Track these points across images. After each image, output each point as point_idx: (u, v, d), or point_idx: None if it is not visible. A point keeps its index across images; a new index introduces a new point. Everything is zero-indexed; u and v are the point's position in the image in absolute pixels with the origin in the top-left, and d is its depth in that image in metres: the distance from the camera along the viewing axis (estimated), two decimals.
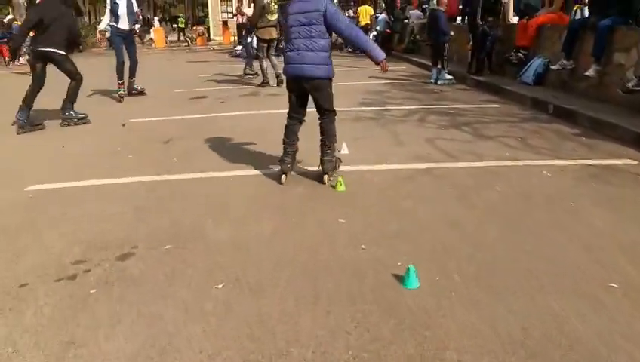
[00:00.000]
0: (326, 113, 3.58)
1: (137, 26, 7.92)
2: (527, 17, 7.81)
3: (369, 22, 13.92)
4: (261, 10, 8.26)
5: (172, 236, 2.86)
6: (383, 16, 14.50)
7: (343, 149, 4.38)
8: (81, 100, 8.01)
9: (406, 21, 13.79)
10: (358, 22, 14.23)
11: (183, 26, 27.09)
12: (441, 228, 2.86)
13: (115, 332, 1.98)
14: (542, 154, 4.26)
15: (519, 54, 7.63)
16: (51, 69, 6.01)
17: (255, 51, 9.19)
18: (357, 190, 3.51)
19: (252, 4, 16.41)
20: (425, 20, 12.55)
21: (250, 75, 9.86)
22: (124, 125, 5.91)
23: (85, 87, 8.99)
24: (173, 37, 28.54)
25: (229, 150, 4.69)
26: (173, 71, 12.67)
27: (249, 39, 9.50)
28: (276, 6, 8.53)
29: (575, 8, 7.08)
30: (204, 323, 2.05)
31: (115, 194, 3.59)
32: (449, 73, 8.55)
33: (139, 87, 7.99)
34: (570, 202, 3.20)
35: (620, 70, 5.73)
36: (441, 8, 8.50)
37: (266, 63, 8.75)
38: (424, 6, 13.71)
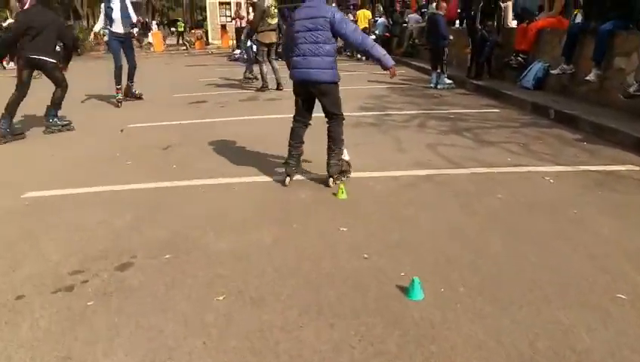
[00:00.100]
0: (333, 117, 3.63)
1: (136, 30, 7.85)
2: (527, 22, 7.80)
3: (367, 26, 13.93)
4: (261, 14, 8.26)
5: (171, 245, 2.82)
6: (382, 20, 14.51)
7: (345, 155, 4.33)
8: (79, 105, 8.01)
9: (405, 25, 13.79)
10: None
11: (182, 29, 27.09)
12: (443, 237, 2.83)
13: (114, 347, 1.94)
14: (544, 160, 4.23)
15: (519, 58, 7.62)
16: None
17: (255, 55, 9.18)
18: (358, 198, 3.47)
19: (251, 8, 16.44)
20: (423, 24, 12.58)
21: (251, 79, 9.85)
22: (122, 131, 5.88)
23: (83, 91, 9.01)
24: (172, 41, 28.55)
25: (229, 156, 4.66)
26: (172, 75, 12.64)
27: (249, 43, 9.48)
28: (276, 10, 8.53)
29: (575, 12, 7.09)
30: (204, 336, 2.00)
31: (113, 202, 3.55)
32: (448, 77, 8.54)
33: (136, 92, 7.94)
34: (574, 210, 3.17)
35: (621, 75, 5.72)
36: (441, 12, 8.49)
37: (266, 68, 8.74)
38: (423, 10, 13.73)
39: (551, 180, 3.74)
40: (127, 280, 2.45)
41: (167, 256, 2.69)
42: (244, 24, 15.13)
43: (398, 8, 14.50)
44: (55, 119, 5.96)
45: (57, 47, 5.97)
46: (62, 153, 5.03)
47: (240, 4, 17.88)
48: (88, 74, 13.29)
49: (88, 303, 2.24)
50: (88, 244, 2.86)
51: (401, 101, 7.38)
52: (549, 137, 5.03)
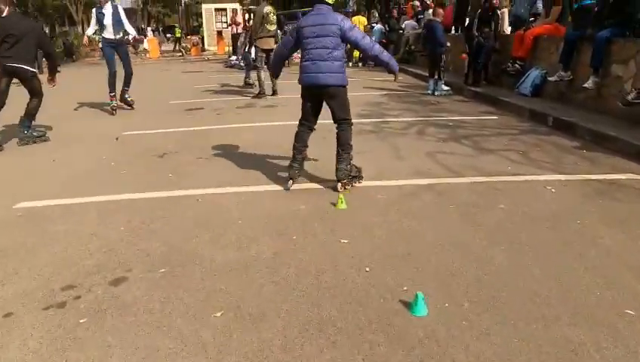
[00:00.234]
0: (342, 122, 3.69)
1: (131, 36, 7.77)
2: (523, 28, 7.81)
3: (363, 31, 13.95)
4: (260, 20, 8.24)
5: (168, 258, 2.75)
6: (378, 26, 14.52)
7: None
8: (73, 113, 7.92)
9: (401, 31, 13.81)
10: None
11: (179, 35, 27.10)
12: (446, 250, 2.77)
13: None
14: (544, 169, 4.20)
15: (516, 65, 7.62)
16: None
17: (253, 61, 9.14)
18: (358, 208, 3.41)
19: (247, 15, 16.43)
20: (420, 31, 12.61)
21: (251, 84, 9.80)
22: (117, 139, 5.80)
23: (77, 98, 8.92)
24: (167, 47, 28.50)
25: (226, 165, 4.59)
26: (168, 82, 12.56)
27: (247, 48, 9.44)
28: (275, 17, 8.53)
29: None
30: (202, 355, 1.93)
31: (108, 213, 3.47)
32: (446, 84, 8.52)
33: (129, 98, 7.76)
34: (577, 220, 3.12)
35: (618, 82, 5.71)
36: (438, 19, 8.50)
37: (263, 74, 8.71)
38: (419, 16, 13.76)
39: (552, 189, 3.69)
40: (121, 296, 2.37)
41: (162, 270, 2.61)
42: (240, 30, 15.12)
43: (394, 14, 14.49)
44: (30, 130, 5.75)
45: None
46: (56, 162, 4.94)
47: (236, 10, 17.81)
48: (83, 80, 13.22)
49: (81, 321, 2.16)
50: (81, 257, 2.78)
51: (399, 108, 7.34)
52: (548, 145, 5.00)
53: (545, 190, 3.70)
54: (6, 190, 4.04)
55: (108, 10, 7.12)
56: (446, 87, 8.46)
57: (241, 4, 23.28)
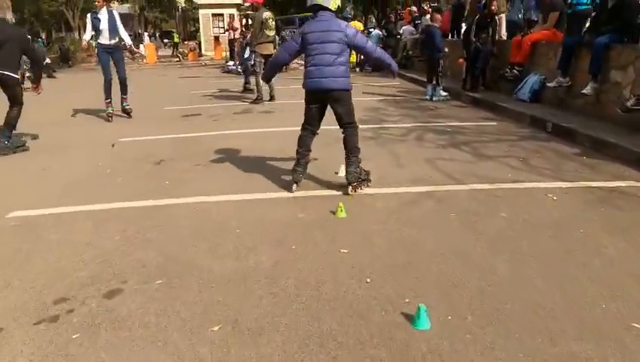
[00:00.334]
0: (348, 126, 3.74)
1: (126, 44, 7.67)
2: (521, 34, 7.81)
3: None
4: (259, 26, 8.23)
5: (164, 269, 2.69)
6: (376, 31, 14.53)
7: (341, 172, 4.24)
8: (69, 119, 7.84)
9: (399, 36, 13.82)
10: None
11: (177, 41, 27.12)
12: (448, 260, 2.72)
13: None
14: (545, 176, 4.16)
15: (514, 71, 7.61)
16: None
17: (252, 66, 9.11)
18: (358, 216, 3.36)
19: (244, 20, 16.41)
20: (417, 36, 12.62)
21: (251, 90, 9.76)
22: (113, 145, 5.74)
23: (73, 104, 8.85)
24: (164, 52, 28.48)
25: (223, 172, 4.54)
26: (165, 87, 12.51)
27: (247, 54, 9.41)
28: (273, 22, 8.53)
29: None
30: None
31: (103, 222, 3.40)
32: (444, 90, 8.51)
33: (127, 106, 7.60)
34: (580, 229, 3.08)
35: (617, 88, 5.70)
36: (436, 25, 8.50)
37: (260, 78, 8.72)
38: (416, 22, 13.78)
39: (554, 197, 3.66)
40: (116, 309, 2.30)
41: (158, 282, 2.55)
42: (237, 36, 15.12)
43: (392, 20, 14.50)
44: (9, 141, 5.55)
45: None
46: (51, 170, 4.87)
47: (233, 15, 17.87)
48: (79, 86, 13.16)
49: (73, 336, 2.09)
50: (75, 268, 2.71)
51: (398, 113, 7.32)
52: (548, 151, 4.97)
53: (546, 198, 3.66)
54: None
55: (103, 15, 6.99)
56: (444, 93, 8.45)
57: (239, 9, 23.34)
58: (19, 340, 2.08)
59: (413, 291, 2.39)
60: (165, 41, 38.24)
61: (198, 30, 29.31)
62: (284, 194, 3.86)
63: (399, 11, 17.80)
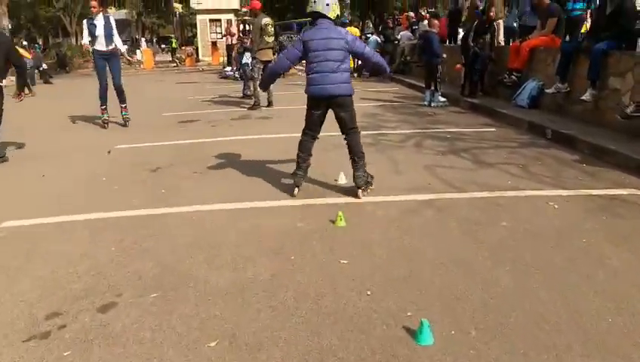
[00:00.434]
0: (350, 131, 3.83)
1: (125, 48, 7.63)
2: (520, 40, 7.81)
3: None
4: (259, 32, 8.22)
5: (160, 281, 2.63)
6: (374, 37, 14.53)
7: (341, 179, 4.20)
8: (65, 125, 7.77)
9: (396, 42, 13.83)
10: None
11: (175, 46, 27.13)
12: (449, 271, 2.67)
13: None
14: (545, 184, 4.13)
15: (512, 77, 7.59)
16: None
17: (250, 72, 9.09)
18: (358, 225, 3.31)
19: (241, 25, 16.43)
20: (415, 41, 12.62)
21: (249, 96, 9.72)
22: (109, 152, 5.68)
23: (69, 111, 8.78)
24: (160, 58, 28.47)
25: (221, 179, 4.49)
26: (162, 93, 12.45)
27: (245, 60, 9.38)
28: (272, 29, 8.52)
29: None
30: None
31: (99, 232, 3.34)
32: (442, 95, 8.49)
33: (127, 116, 7.39)
34: (582, 239, 3.04)
35: (616, 95, 5.69)
36: (434, 30, 8.50)
37: (258, 84, 8.73)
38: (414, 27, 13.80)
39: (555, 205, 3.62)
40: (109, 324, 2.24)
41: (154, 295, 2.49)
42: (234, 41, 15.10)
43: (390, 25, 14.51)
44: None
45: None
46: (45, 178, 4.80)
47: (231, 21, 17.87)
48: (76, 92, 13.10)
49: (65, 353, 2.03)
50: (69, 281, 2.65)
51: (396, 120, 7.29)
52: (548, 158, 4.94)
53: (547, 206, 3.62)
54: None
55: (99, 21, 6.89)
56: (442, 99, 8.43)
57: (236, 14, 23.36)
58: (8, 358, 2.01)
59: (415, 304, 2.34)
60: (163, 46, 38.26)
61: (195, 35, 29.32)
62: (283, 202, 3.81)
63: (397, 17, 17.83)
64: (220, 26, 23.19)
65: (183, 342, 2.10)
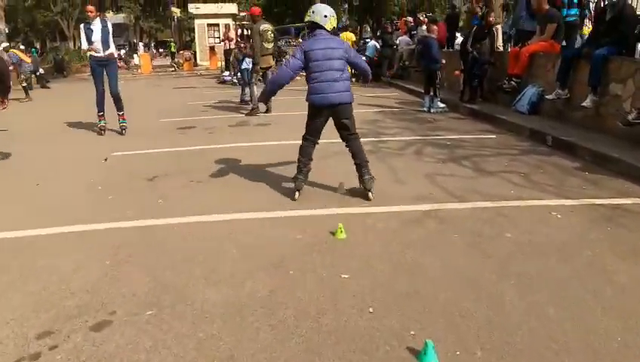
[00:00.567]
0: (352, 137, 3.95)
1: (123, 52, 7.55)
2: (519, 45, 7.78)
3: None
4: (258, 38, 8.18)
5: (155, 297, 2.55)
6: (372, 42, 14.49)
7: (340, 189, 4.14)
8: (61, 132, 7.69)
9: (395, 47, 13.80)
10: None
11: (174, 50, 27.12)
12: (453, 286, 2.60)
13: None
14: (548, 193, 4.07)
15: (512, 82, 7.55)
16: None
17: (249, 77, 9.04)
18: (359, 238, 3.24)
19: (239, 30, 16.39)
20: (413, 46, 12.60)
21: (247, 101, 9.66)
22: (105, 160, 5.60)
23: (65, 116, 8.69)
24: (158, 62, 28.41)
25: (219, 189, 4.42)
26: (160, 98, 12.40)
27: (244, 65, 9.33)
28: (273, 35, 8.48)
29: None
30: None
31: (92, 245, 3.26)
32: (441, 101, 8.44)
33: (124, 123, 7.26)
34: (588, 251, 2.98)
35: (617, 101, 5.65)
36: (433, 35, 8.46)
37: (256, 90, 8.68)
38: (412, 32, 13.78)
39: (558, 215, 3.56)
40: (103, 344, 2.16)
41: (149, 312, 2.42)
42: (232, 46, 15.05)
43: (389, 30, 14.50)
44: None
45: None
46: (39, 186, 4.72)
47: (229, 26, 17.82)
48: (73, 97, 13.02)
49: None
50: (61, 297, 2.57)
51: (395, 126, 7.23)
52: (550, 166, 4.88)
53: (550, 216, 3.56)
54: None
55: (96, 25, 6.76)
56: (442, 105, 8.38)
57: (234, 19, 23.34)
58: None
59: (419, 322, 2.27)
60: (160, 50, 38.24)
61: (193, 40, 29.28)
62: (282, 212, 3.74)
63: (395, 21, 17.83)
64: (218, 31, 23.14)
65: None
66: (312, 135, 3.97)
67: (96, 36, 6.74)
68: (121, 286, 2.69)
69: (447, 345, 2.10)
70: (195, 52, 25.74)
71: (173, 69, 23.59)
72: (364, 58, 13.70)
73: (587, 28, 8.10)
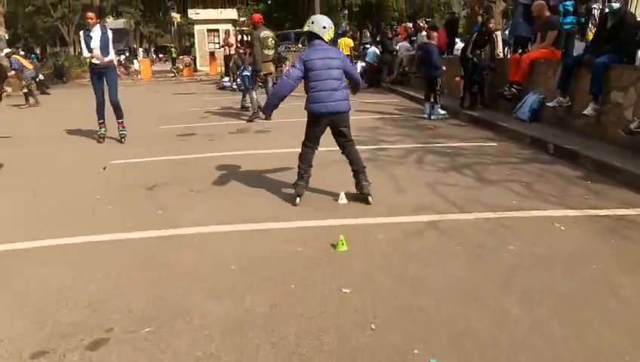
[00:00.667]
0: (348, 144, 4.08)
1: (123, 57, 7.52)
2: (519, 52, 7.77)
3: (349, 53, 13.76)
4: (259, 44, 8.19)
5: (154, 315, 2.50)
6: (373, 48, 14.49)
7: (341, 199, 4.09)
8: (59, 139, 7.65)
9: (395, 53, 13.80)
10: None
11: (175, 56, 27.18)
12: (456, 301, 2.56)
13: None
14: (550, 203, 4.03)
15: (513, 89, 7.54)
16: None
17: (249, 83, 9.04)
18: (360, 250, 3.20)
19: (239, 36, 16.40)
20: (413, 52, 12.60)
21: (247, 108, 9.65)
22: (104, 168, 5.56)
23: (64, 123, 8.66)
24: (157, 67, 28.45)
25: (219, 199, 4.38)
26: (159, 104, 12.38)
27: (246, 72, 9.33)
28: (273, 42, 8.49)
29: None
30: None
31: (89, 258, 3.21)
32: (442, 108, 8.42)
33: (124, 131, 7.18)
34: (592, 265, 2.94)
35: (618, 109, 5.62)
36: (433, 42, 8.46)
37: (255, 95, 8.69)
38: (412, 38, 13.80)
39: (562, 227, 3.52)
40: None
41: (147, 329, 2.37)
42: (232, 51, 15.06)
43: (389, 35, 14.51)
44: None
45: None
46: (36, 196, 4.68)
47: (229, 31, 17.84)
48: (72, 104, 12.99)
49: None
50: (57, 314, 2.52)
51: (396, 133, 7.20)
52: (552, 175, 4.85)
53: (554, 227, 3.52)
54: None
55: (96, 32, 6.64)
56: (442, 111, 8.36)
57: (234, 25, 23.39)
58: None
59: (422, 340, 2.23)
60: (160, 55, 38.32)
61: (193, 45, 29.32)
62: (282, 224, 3.70)
63: (394, 27, 17.86)
64: (218, 36, 23.18)
65: None
66: (311, 142, 4.06)
67: (95, 43, 6.65)
68: (119, 301, 2.64)
69: None
70: (195, 57, 25.77)
71: (172, 74, 23.60)
72: (364, 64, 13.98)
73: (592, 33, 8.09)
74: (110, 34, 6.85)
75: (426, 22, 15.19)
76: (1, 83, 5.66)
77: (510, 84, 7.59)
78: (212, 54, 23.00)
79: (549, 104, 6.67)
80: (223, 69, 17.26)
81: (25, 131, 8.28)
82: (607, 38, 5.94)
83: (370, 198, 4.03)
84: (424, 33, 11.36)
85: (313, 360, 2.12)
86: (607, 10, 6.18)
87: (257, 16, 8.82)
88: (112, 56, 6.95)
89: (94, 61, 6.73)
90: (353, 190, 4.17)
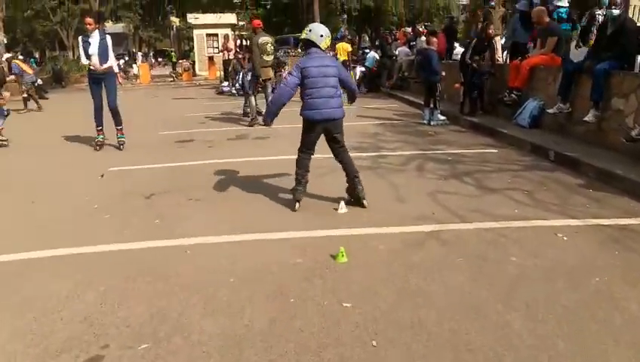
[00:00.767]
0: (341, 150, 4.13)
1: (122, 62, 7.46)
2: (519, 58, 7.76)
3: (347, 58, 13.74)
4: (257, 50, 8.18)
5: (151, 330, 2.46)
6: (372, 53, 14.47)
7: (341, 208, 4.05)
8: (58, 145, 7.59)
9: (394, 58, 13.79)
10: (337, 58, 14.00)
11: (175, 60, 27.17)
12: (459, 316, 2.51)
13: None
14: (552, 212, 3.99)
15: (513, 95, 7.51)
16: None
17: (248, 88, 9.02)
18: (360, 261, 3.16)
19: (238, 40, 16.37)
20: (413, 57, 12.59)
21: (248, 113, 9.61)
22: (102, 176, 5.52)
23: (63, 129, 8.62)
24: (156, 72, 28.43)
25: (218, 208, 4.34)
26: (158, 109, 12.34)
27: (248, 76, 9.32)
28: (272, 47, 8.49)
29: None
30: None
31: (86, 269, 3.16)
32: (442, 113, 8.39)
33: (122, 138, 7.09)
34: (596, 277, 2.90)
35: (619, 116, 5.60)
36: (433, 48, 8.44)
37: (254, 100, 8.69)
38: (411, 43, 13.78)
39: (564, 237, 3.48)
40: None
41: (144, 346, 2.32)
42: (231, 56, 15.04)
43: (388, 40, 14.48)
44: None
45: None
46: (29, 206, 4.62)
47: (228, 36, 17.79)
48: (70, 109, 12.96)
49: None
50: (52, 329, 2.48)
51: (396, 140, 7.17)
52: (553, 183, 4.81)
53: (556, 238, 3.48)
54: None
55: (95, 38, 6.57)
56: (442, 117, 8.33)
57: (233, 29, 23.39)
58: None
59: (424, 357, 2.19)
60: (159, 60, 38.33)
61: (191, 49, 29.32)
62: (281, 234, 3.66)
63: (393, 31, 17.85)
64: (217, 41, 23.18)
65: None
66: (307, 148, 4.12)
67: (94, 49, 6.59)
68: (116, 315, 2.60)
69: None
70: (194, 62, 25.76)
71: (172, 79, 23.58)
72: (363, 68, 13.96)
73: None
74: (109, 39, 6.79)
75: (425, 27, 15.19)
76: (0, 88, 5.63)
77: (510, 90, 7.57)
78: (211, 59, 22.98)
79: (550, 110, 6.64)
80: (222, 73, 17.24)
81: (23, 136, 8.23)
82: (607, 45, 5.92)
83: (365, 202, 4.09)
84: (423, 38, 11.37)
85: None
86: (605, 15, 6.17)
87: (257, 22, 8.81)
88: (111, 62, 6.84)
89: (92, 68, 6.66)
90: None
